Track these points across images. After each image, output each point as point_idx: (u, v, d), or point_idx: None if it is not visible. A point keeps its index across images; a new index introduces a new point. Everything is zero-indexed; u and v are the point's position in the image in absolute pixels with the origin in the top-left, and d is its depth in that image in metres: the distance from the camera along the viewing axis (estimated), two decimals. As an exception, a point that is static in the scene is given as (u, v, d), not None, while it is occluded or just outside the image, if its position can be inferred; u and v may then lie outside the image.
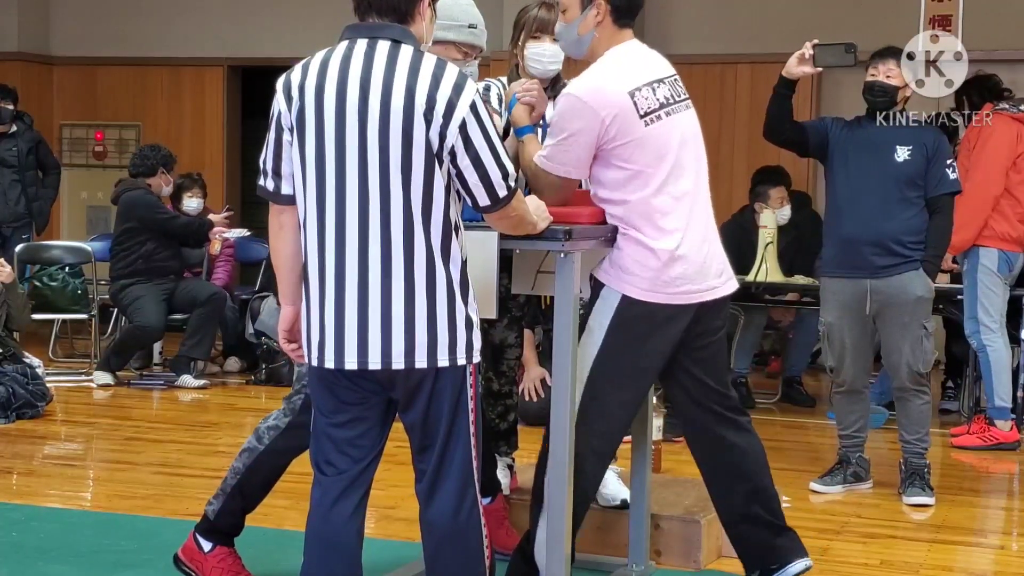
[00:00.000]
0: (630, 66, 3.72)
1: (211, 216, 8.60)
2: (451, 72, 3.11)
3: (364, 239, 3.09)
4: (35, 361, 7.44)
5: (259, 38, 10.93)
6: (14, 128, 9.31)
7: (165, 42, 11.14)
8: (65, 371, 8.65)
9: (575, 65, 3.95)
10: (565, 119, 3.63)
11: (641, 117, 3.64)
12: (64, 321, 9.28)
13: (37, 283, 8.69)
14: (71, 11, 11.43)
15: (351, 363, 3.13)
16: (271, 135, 3.24)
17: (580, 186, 3.85)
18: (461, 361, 3.17)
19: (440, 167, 3.10)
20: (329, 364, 3.15)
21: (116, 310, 8.85)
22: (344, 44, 3.18)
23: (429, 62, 3.11)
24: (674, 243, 3.66)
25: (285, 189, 3.23)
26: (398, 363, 3.11)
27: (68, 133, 11.52)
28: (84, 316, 8.83)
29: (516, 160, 3.96)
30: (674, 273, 3.67)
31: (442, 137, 3.07)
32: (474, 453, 3.25)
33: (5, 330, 7.36)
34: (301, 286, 3.27)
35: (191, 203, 8.80)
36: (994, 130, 6.54)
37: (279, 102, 3.21)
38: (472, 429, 3.23)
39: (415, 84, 3.06)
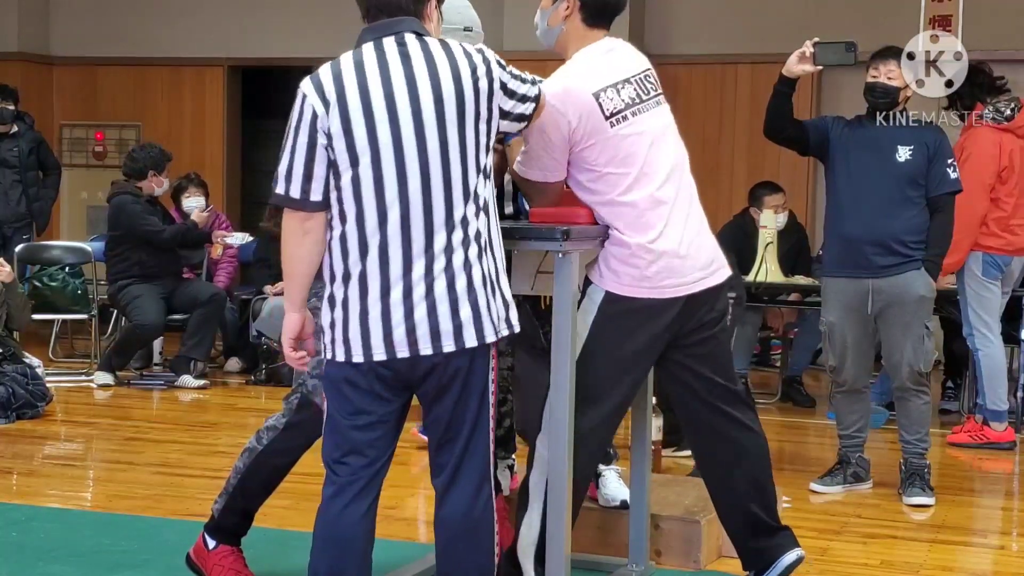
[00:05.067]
0: (596, 67, 3.72)
1: (193, 217, 8.52)
2: (468, 47, 3.28)
3: (430, 233, 3.16)
4: (35, 361, 7.44)
5: (259, 38, 10.93)
6: (15, 128, 9.31)
7: (165, 42, 11.14)
8: (65, 371, 8.65)
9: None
10: (535, 124, 3.64)
11: (607, 118, 3.66)
12: (64, 321, 9.28)
13: (37, 283, 8.69)
14: (71, 11, 11.43)
15: (426, 349, 3.17)
16: (302, 139, 3.20)
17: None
18: (504, 332, 3.28)
19: (490, 131, 3.26)
20: (403, 353, 3.16)
21: (116, 310, 8.84)
22: (370, 44, 3.23)
23: (455, 45, 3.26)
24: (652, 239, 3.68)
25: (315, 195, 3.21)
26: (471, 342, 3.19)
27: (68, 133, 11.52)
28: (84, 316, 8.83)
29: (502, 167, 3.97)
30: (656, 268, 3.68)
31: (490, 96, 3.24)
32: (492, 449, 3.33)
33: (5, 330, 7.35)
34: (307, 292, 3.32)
35: (190, 203, 8.75)
36: (975, 146, 6.48)
37: (313, 105, 3.18)
38: (492, 424, 3.32)
39: (457, 67, 3.20)
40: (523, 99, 3.37)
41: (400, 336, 3.17)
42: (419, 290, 3.16)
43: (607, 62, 3.76)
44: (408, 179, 3.16)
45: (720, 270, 3.86)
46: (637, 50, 3.88)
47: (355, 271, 3.19)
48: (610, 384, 3.77)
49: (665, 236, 3.70)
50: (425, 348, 3.18)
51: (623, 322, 3.72)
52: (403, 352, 3.18)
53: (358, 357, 3.20)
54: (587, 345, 3.73)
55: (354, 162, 3.16)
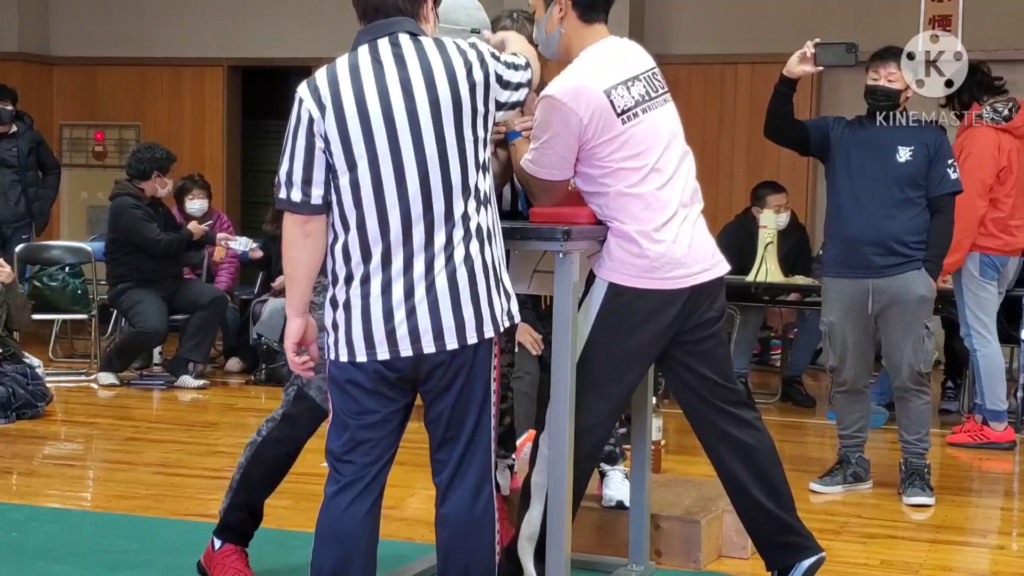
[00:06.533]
0: (605, 65, 3.73)
1: (189, 227, 8.48)
2: (462, 43, 3.29)
3: (431, 231, 3.17)
4: (35, 361, 7.44)
5: (259, 38, 10.94)
6: (14, 128, 9.30)
7: (165, 42, 11.14)
8: (65, 371, 8.65)
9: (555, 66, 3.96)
10: (545, 122, 3.65)
11: (619, 115, 3.67)
12: (64, 321, 9.27)
13: (37, 283, 8.68)
14: (71, 11, 11.43)
15: (428, 347, 3.18)
16: (300, 143, 3.20)
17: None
18: (506, 324, 3.29)
19: (487, 127, 3.27)
20: (407, 352, 3.17)
21: (116, 311, 8.82)
22: (365, 47, 3.23)
23: (450, 43, 3.26)
24: (656, 228, 3.68)
25: (316, 198, 3.21)
26: (472, 338, 3.20)
27: (68, 133, 11.52)
28: (84, 316, 8.82)
29: (509, 166, 3.97)
30: (662, 260, 3.69)
31: (486, 91, 3.25)
32: (493, 448, 3.34)
33: (5, 330, 7.35)
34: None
35: (194, 205, 8.74)
36: (975, 146, 6.46)
37: (309, 110, 3.19)
38: (493, 423, 3.32)
39: (452, 67, 3.20)
40: (517, 87, 3.36)
41: (403, 334, 3.17)
42: (420, 288, 3.17)
43: (616, 60, 3.77)
44: (407, 181, 3.16)
45: (721, 263, 3.87)
46: (643, 48, 3.89)
47: (357, 273, 3.20)
48: (612, 381, 3.77)
49: (669, 227, 3.71)
50: (428, 346, 3.18)
51: (626, 317, 3.72)
52: (406, 351, 3.18)
53: (361, 357, 3.21)
54: (590, 341, 3.73)
55: (351, 166, 3.17)
